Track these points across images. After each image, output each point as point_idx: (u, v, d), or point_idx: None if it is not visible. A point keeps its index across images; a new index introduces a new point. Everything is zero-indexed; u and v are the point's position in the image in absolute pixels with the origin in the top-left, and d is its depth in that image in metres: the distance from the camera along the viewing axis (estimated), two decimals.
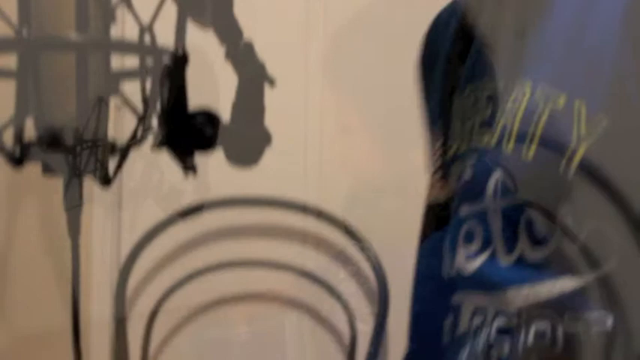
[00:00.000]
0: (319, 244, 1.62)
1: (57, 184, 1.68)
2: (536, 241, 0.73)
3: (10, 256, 1.61)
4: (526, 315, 0.73)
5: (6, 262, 1.61)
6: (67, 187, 0.92)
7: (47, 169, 0.92)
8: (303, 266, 1.60)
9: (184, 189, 1.56)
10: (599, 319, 0.69)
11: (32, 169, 1.53)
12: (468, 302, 0.79)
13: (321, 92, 1.60)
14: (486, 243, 0.77)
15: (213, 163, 1.45)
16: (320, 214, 1.57)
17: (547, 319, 0.71)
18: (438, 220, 0.86)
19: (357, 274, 1.61)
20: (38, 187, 1.61)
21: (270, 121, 0.99)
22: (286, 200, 1.58)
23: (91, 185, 1.25)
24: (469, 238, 0.79)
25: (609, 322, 0.70)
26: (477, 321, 0.78)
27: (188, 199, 1.54)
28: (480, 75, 0.81)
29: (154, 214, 1.58)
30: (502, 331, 0.75)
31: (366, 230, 1.56)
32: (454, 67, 0.85)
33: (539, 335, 0.72)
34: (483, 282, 0.78)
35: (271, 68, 0.95)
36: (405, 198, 1.59)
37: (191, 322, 1.65)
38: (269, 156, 1.21)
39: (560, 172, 0.71)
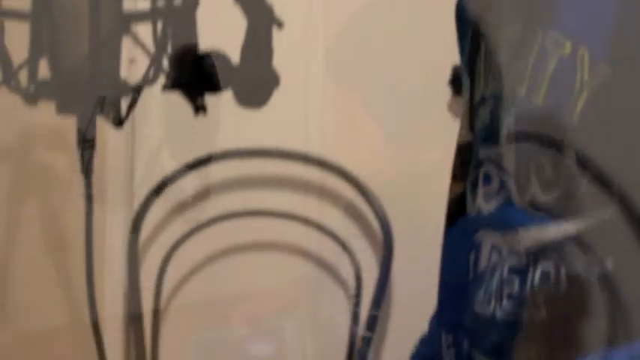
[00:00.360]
0: (324, 194, 1.63)
1: (58, 182, 1.70)
2: (546, 185, 0.75)
3: (11, 256, 1.63)
4: (533, 256, 0.75)
5: (7, 261, 1.63)
6: (80, 126, 0.94)
7: (61, 109, 0.94)
8: (309, 217, 1.62)
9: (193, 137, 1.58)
10: (601, 262, 0.71)
11: (33, 168, 1.56)
12: (487, 240, 0.82)
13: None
14: (502, 185, 0.80)
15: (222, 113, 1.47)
16: (326, 165, 1.59)
17: (552, 260, 0.73)
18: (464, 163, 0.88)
19: (362, 224, 1.63)
20: (39, 186, 1.64)
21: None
22: (294, 151, 1.60)
23: (104, 129, 1.28)
24: (487, 179, 0.82)
25: (610, 264, 0.72)
26: (494, 258, 0.80)
27: (197, 147, 1.56)
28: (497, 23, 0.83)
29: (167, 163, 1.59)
30: (513, 271, 0.77)
31: (371, 180, 1.58)
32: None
33: (544, 276, 0.74)
34: (498, 222, 0.81)
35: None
36: (412, 146, 1.60)
37: (200, 271, 1.67)
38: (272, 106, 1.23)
39: (566, 116, 0.74)
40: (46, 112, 1.57)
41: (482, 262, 0.84)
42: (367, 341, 1.55)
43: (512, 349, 0.77)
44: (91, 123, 0.93)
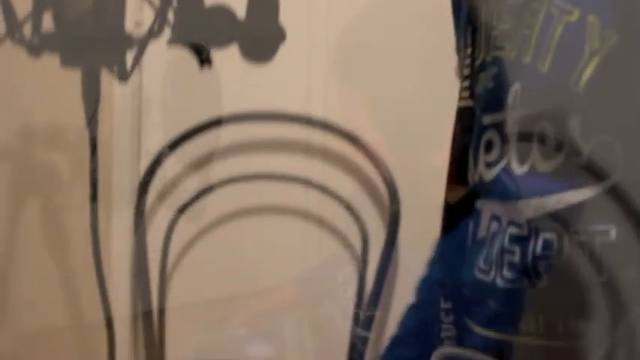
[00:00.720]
0: (331, 157, 1.63)
1: (59, 181, 1.70)
2: (547, 154, 0.75)
3: (12, 255, 1.63)
4: (535, 225, 0.75)
5: (8, 260, 1.63)
6: (84, 79, 0.93)
7: (65, 61, 0.94)
8: (315, 179, 1.61)
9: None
10: (603, 231, 0.71)
11: (34, 167, 1.56)
12: (487, 209, 0.82)
13: None
14: (503, 153, 0.79)
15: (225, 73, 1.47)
16: (332, 128, 1.58)
17: (554, 229, 0.74)
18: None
19: (368, 187, 1.63)
20: (41, 185, 1.64)
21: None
22: (303, 115, 1.59)
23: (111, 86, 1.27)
24: (489, 146, 0.81)
25: (613, 233, 0.72)
26: (493, 227, 0.80)
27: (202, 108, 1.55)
28: None
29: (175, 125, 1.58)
30: (514, 239, 0.77)
31: (375, 140, 1.58)
32: None
33: (546, 245, 0.74)
34: (499, 191, 0.80)
35: None
36: (421, 109, 1.59)
37: (208, 233, 1.67)
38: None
39: (571, 84, 0.73)
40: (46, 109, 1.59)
41: (482, 231, 0.83)
42: (374, 305, 1.55)
43: (511, 318, 0.77)
44: (95, 76, 0.92)
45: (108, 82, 1.00)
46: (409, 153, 1.60)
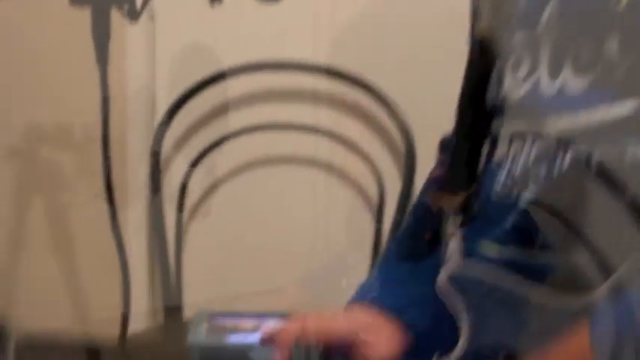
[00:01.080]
0: (346, 106, 1.62)
1: (64, 180, 1.70)
2: (581, 70, 0.74)
3: (18, 253, 1.64)
4: (564, 142, 0.75)
5: (14, 259, 1.64)
6: (94, 17, 0.93)
7: (75, 1, 0.94)
8: (331, 128, 1.61)
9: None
10: (633, 150, 0.70)
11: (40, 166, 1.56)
12: (507, 129, 0.82)
13: None
14: (534, 69, 0.79)
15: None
16: (345, 76, 1.57)
17: (583, 146, 0.73)
18: None
19: (384, 134, 1.62)
20: (46, 184, 1.64)
21: None
22: (312, 64, 1.59)
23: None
24: (518, 64, 0.81)
25: None
26: (516, 146, 0.80)
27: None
28: None
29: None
30: (540, 156, 0.76)
31: (392, 90, 1.56)
32: None
33: (574, 161, 0.74)
34: (528, 107, 0.80)
35: None
36: (433, 53, 1.58)
37: (223, 184, 1.67)
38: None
39: (611, 5, 0.72)
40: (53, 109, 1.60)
41: (499, 152, 0.83)
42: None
43: (532, 234, 0.76)
44: (105, 15, 0.92)
45: (119, 22, 1.01)
46: (423, 99, 1.59)
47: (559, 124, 0.76)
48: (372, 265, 1.58)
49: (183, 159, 1.63)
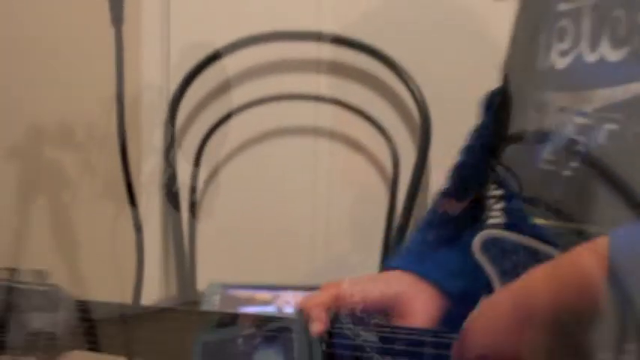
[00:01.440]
0: (360, 77, 1.61)
1: (67, 180, 1.69)
2: (618, 42, 0.74)
3: (21, 252, 1.63)
4: (601, 115, 0.74)
5: (18, 257, 1.64)
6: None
7: None
8: (345, 99, 1.59)
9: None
10: None
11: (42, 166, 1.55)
12: (554, 100, 0.81)
13: None
14: (576, 41, 0.78)
15: None
16: (359, 46, 1.56)
17: (618, 120, 0.73)
18: None
19: (398, 105, 1.60)
20: (49, 183, 1.64)
21: None
22: (324, 32, 1.57)
23: None
24: (562, 34, 0.80)
25: None
26: (560, 119, 0.79)
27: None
28: None
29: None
30: (580, 130, 0.76)
31: (408, 61, 1.55)
32: None
33: (610, 135, 0.73)
34: (569, 80, 0.79)
35: None
36: (448, 22, 1.57)
37: (233, 157, 1.66)
38: None
39: None
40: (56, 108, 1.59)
41: (547, 122, 0.82)
42: (403, 228, 1.54)
43: (573, 207, 0.76)
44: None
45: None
46: (437, 70, 1.58)
47: (597, 98, 0.75)
48: (385, 240, 1.57)
49: (193, 136, 1.62)
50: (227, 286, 1.44)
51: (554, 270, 0.67)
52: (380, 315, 0.81)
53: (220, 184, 1.65)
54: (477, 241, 0.80)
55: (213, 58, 1.57)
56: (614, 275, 0.61)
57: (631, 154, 0.72)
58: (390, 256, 1.53)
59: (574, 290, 0.64)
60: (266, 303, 1.39)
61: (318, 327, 0.78)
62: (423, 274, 0.85)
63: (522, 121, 0.85)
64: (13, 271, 0.85)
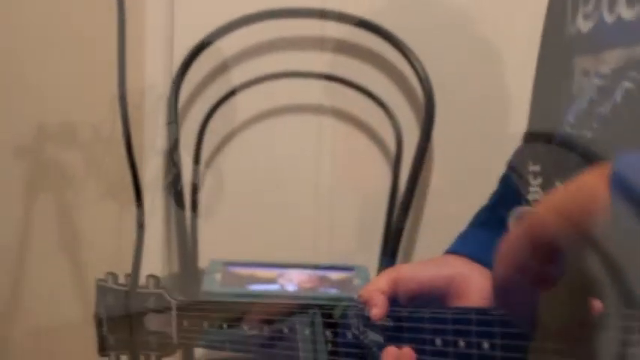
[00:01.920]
0: (364, 55, 1.60)
1: (71, 179, 1.69)
2: (633, 0, 0.74)
3: (27, 251, 1.63)
4: (618, 75, 0.74)
5: (23, 257, 1.64)
6: None
7: None
8: (348, 77, 1.59)
9: None
10: None
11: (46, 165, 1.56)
12: (579, 64, 0.81)
13: None
14: (598, 5, 0.78)
15: None
16: (364, 24, 1.55)
17: (636, 78, 0.72)
18: None
19: (403, 85, 1.60)
20: (53, 183, 1.63)
21: None
22: (324, 9, 1.56)
23: None
24: (586, 0, 0.80)
25: None
26: (583, 82, 0.79)
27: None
28: None
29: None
30: (600, 91, 0.76)
31: (411, 39, 1.54)
32: None
33: (627, 94, 0.73)
34: (592, 42, 0.79)
35: None
36: (452, 2, 1.56)
37: (238, 134, 1.66)
38: None
39: None
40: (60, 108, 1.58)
41: (575, 85, 0.82)
42: (406, 206, 1.54)
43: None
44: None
45: None
46: (439, 47, 1.57)
47: (614, 58, 0.76)
48: (387, 217, 1.57)
49: (196, 113, 1.61)
50: (228, 264, 1.44)
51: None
52: (436, 297, 0.81)
53: (222, 166, 1.65)
54: (512, 217, 0.80)
55: (216, 35, 1.56)
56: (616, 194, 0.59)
57: None
58: (392, 232, 1.54)
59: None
60: (268, 281, 1.40)
61: (377, 312, 0.77)
62: (474, 256, 0.85)
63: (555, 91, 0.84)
64: (130, 277, 0.91)
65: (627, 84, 0.73)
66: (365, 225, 1.61)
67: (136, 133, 1.23)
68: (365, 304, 0.78)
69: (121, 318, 0.91)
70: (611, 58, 0.76)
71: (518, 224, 0.64)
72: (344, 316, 0.79)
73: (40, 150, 1.62)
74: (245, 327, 0.77)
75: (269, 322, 0.78)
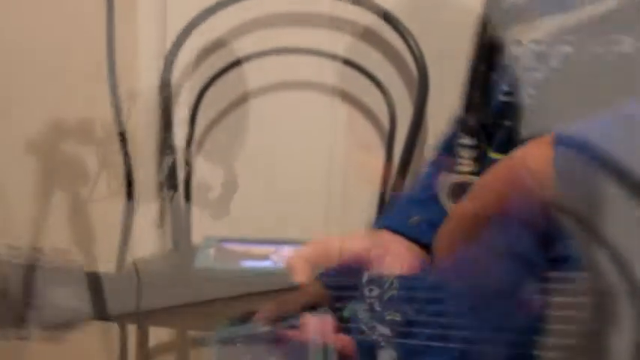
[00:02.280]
0: (358, 32, 1.59)
1: (85, 176, 1.68)
2: None
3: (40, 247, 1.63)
4: (554, 39, 0.75)
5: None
6: None
7: None
8: (342, 53, 1.58)
9: None
10: (618, 40, 0.70)
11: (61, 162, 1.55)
12: (510, 35, 0.81)
13: None
14: None
15: None
16: (358, 1, 1.54)
17: (572, 42, 0.73)
18: None
19: (396, 60, 1.59)
20: (68, 179, 1.62)
21: None
22: None
23: None
24: None
25: (629, 43, 0.70)
26: (515, 51, 0.79)
27: None
28: None
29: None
30: (535, 57, 0.76)
31: (406, 15, 1.54)
32: None
33: (565, 58, 0.74)
34: (525, 11, 0.79)
35: None
36: None
37: (235, 108, 1.65)
38: None
39: None
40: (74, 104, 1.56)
41: (506, 58, 0.82)
42: (400, 184, 1.54)
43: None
44: None
45: None
46: (437, 27, 1.57)
47: (551, 25, 0.76)
48: (381, 196, 1.57)
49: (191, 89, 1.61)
50: (223, 240, 1.44)
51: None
52: (361, 268, 0.82)
53: (219, 142, 1.65)
54: (442, 187, 0.81)
55: (212, 11, 1.56)
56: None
57: (587, 75, 0.73)
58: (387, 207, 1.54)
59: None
60: (263, 257, 1.39)
61: (299, 278, 0.79)
62: (399, 230, 0.87)
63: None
64: (37, 250, 0.87)
65: (566, 48, 0.74)
66: (362, 205, 1.61)
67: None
68: (289, 270, 0.79)
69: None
70: (546, 25, 0.76)
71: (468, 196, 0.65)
72: (353, 311, 0.79)
73: (54, 146, 1.62)
74: (256, 324, 0.77)
75: (279, 319, 0.78)
